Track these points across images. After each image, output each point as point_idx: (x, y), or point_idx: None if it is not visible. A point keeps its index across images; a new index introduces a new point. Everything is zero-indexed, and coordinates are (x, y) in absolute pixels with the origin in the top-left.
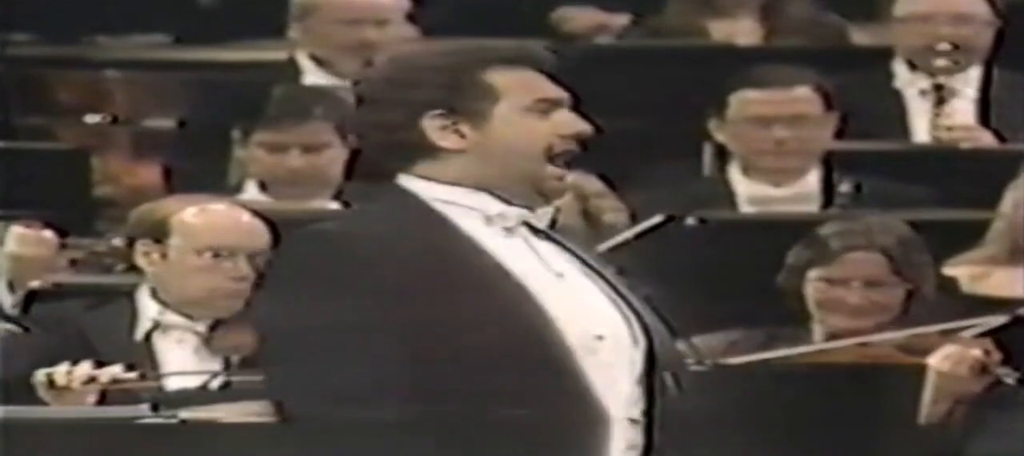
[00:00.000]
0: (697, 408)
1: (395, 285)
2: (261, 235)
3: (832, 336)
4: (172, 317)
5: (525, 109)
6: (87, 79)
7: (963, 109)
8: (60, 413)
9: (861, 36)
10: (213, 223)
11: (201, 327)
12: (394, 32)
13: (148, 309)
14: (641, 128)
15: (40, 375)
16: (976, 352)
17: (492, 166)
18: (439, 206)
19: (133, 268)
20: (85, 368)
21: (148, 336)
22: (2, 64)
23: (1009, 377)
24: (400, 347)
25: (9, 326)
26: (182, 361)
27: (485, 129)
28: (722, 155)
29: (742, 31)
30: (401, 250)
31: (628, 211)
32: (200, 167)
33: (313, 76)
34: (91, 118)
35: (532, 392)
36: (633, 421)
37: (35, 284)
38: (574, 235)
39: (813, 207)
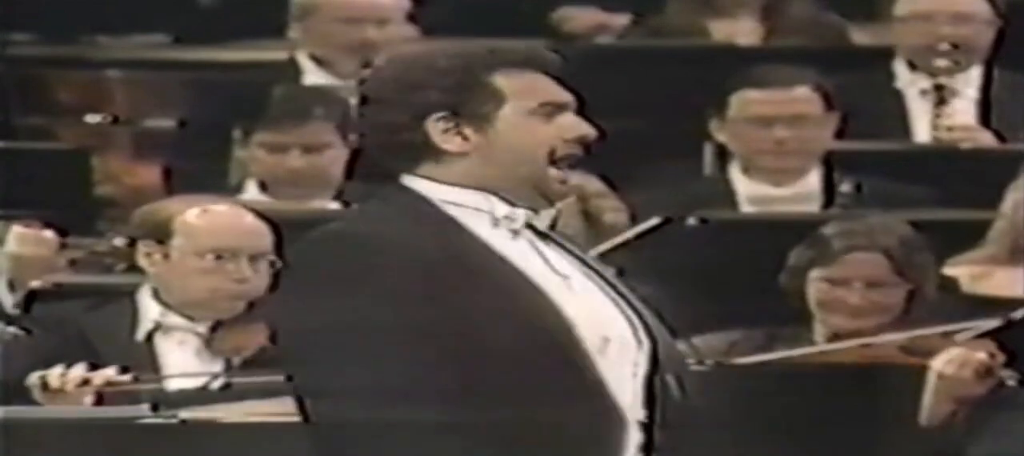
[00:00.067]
0: (698, 408)
1: (413, 286)
2: (263, 237)
3: (833, 336)
4: (173, 318)
5: (529, 113)
6: (87, 79)
7: (964, 109)
8: (60, 413)
9: (861, 36)
10: (215, 225)
11: (202, 328)
12: (394, 32)
13: (150, 310)
14: (642, 128)
15: (34, 378)
16: (980, 355)
17: (495, 169)
18: (448, 208)
19: (133, 268)
20: (79, 371)
21: (149, 337)
22: (2, 64)
23: (1011, 379)
24: (422, 348)
25: (13, 329)
26: (183, 362)
27: (489, 132)
28: (722, 155)
29: (742, 31)
30: (417, 252)
31: (628, 211)
32: (200, 167)
33: (313, 76)
34: (91, 118)
35: (556, 393)
36: (639, 423)
37: (35, 284)
38: (574, 237)
39: (814, 207)
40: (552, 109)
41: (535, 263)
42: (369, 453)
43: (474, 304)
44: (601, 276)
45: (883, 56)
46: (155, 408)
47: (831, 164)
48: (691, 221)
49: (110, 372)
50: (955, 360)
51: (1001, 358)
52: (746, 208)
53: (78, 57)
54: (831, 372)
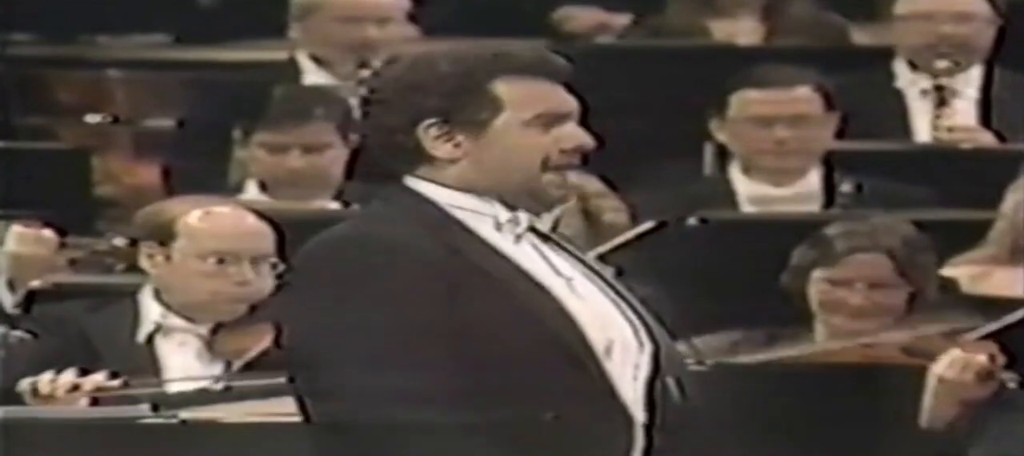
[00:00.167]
0: (698, 411)
1: (421, 289)
2: (265, 239)
3: (835, 337)
4: (175, 320)
5: (525, 122)
6: (87, 79)
7: (964, 109)
8: (60, 413)
9: (862, 36)
10: (217, 227)
11: (203, 330)
12: (394, 32)
13: (151, 311)
14: (642, 128)
15: (24, 384)
16: (981, 358)
17: (488, 175)
18: (453, 210)
19: (134, 268)
20: (69, 376)
21: (150, 338)
22: (2, 64)
23: (1012, 382)
24: (430, 350)
25: (18, 333)
26: (184, 364)
27: (482, 139)
28: (723, 155)
29: (743, 31)
30: (425, 254)
31: (628, 211)
32: (200, 167)
33: (313, 76)
34: (91, 118)
35: (566, 395)
36: (641, 426)
37: (35, 284)
38: (574, 237)
39: (814, 207)
40: (551, 119)
41: (539, 265)
42: (378, 455)
43: (482, 307)
44: (602, 278)
45: (884, 56)
46: (155, 408)
47: (831, 164)
48: (691, 221)
49: (100, 377)
50: (956, 364)
51: (1002, 360)
52: (746, 208)
53: (78, 57)
54: (832, 373)
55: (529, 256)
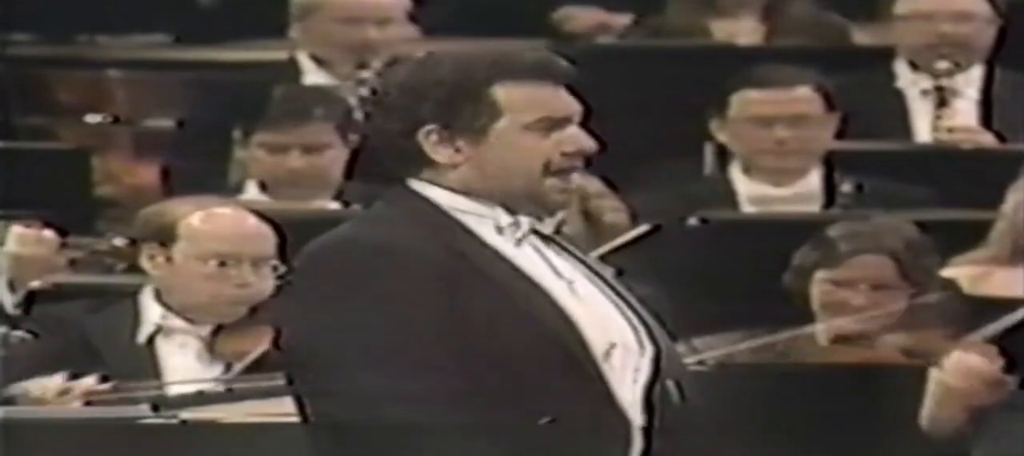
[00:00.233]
0: (697, 413)
1: (423, 291)
2: (267, 241)
3: (836, 337)
4: (175, 321)
5: (525, 127)
6: (87, 79)
7: (965, 110)
8: (60, 413)
9: (863, 36)
10: (219, 230)
11: (204, 331)
12: (395, 32)
13: (152, 313)
14: (642, 128)
15: (16, 389)
16: (988, 365)
17: (489, 180)
18: (455, 213)
19: (134, 268)
20: (57, 381)
21: (151, 339)
22: (2, 64)
23: (1011, 385)
24: (432, 352)
25: (20, 333)
26: (184, 365)
27: (482, 145)
28: (723, 155)
29: (743, 31)
30: (427, 257)
31: (629, 211)
32: (200, 167)
33: (313, 76)
34: (91, 118)
35: (564, 397)
36: (640, 429)
37: (36, 284)
38: (574, 238)
39: (814, 207)
40: (551, 123)
41: (540, 267)
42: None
43: (481, 308)
44: (604, 280)
45: (884, 56)
46: (155, 408)
47: (832, 164)
48: (692, 221)
49: (91, 381)
50: (960, 370)
51: (1000, 362)
52: (747, 208)
53: (78, 57)
54: (832, 373)
55: (530, 258)
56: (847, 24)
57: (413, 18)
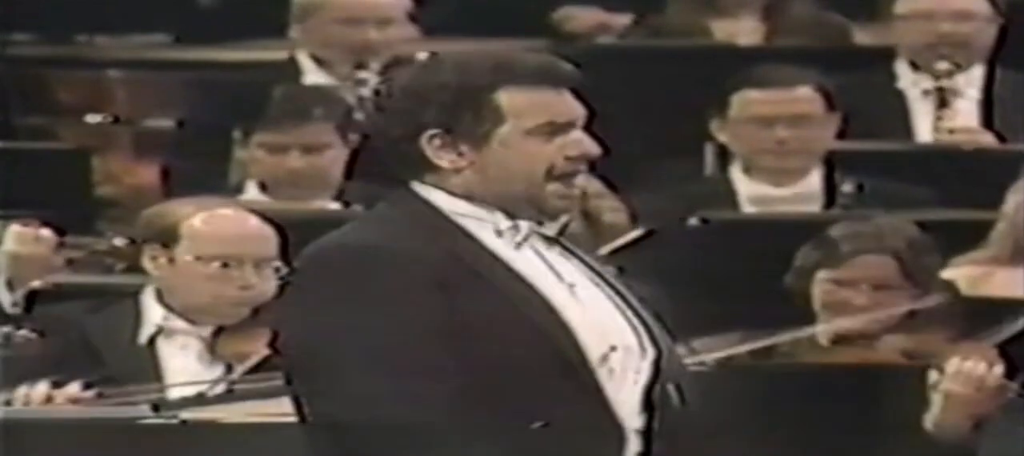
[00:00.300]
0: (697, 416)
1: (422, 295)
2: (269, 242)
3: (836, 339)
4: (176, 322)
5: (528, 132)
6: (87, 79)
7: (965, 110)
8: (60, 413)
9: (863, 36)
10: (221, 231)
11: (205, 332)
12: (395, 32)
13: (153, 313)
14: (642, 128)
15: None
16: (988, 370)
17: (492, 185)
18: (456, 217)
19: (134, 268)
20: (42, 389)
21: (152, 340)
22: (2, 64)
23: (1011, 390)
24: (429, 355)
25: (23, 333)
26: (185, 366)
27: (484, 150)
28: (724, 155)
29: (744, 31)
30: (427, 260)
31: (629, 211)
32: (200, 167)
33: (313, 76)
34: (91, 118)
35: (556, 401)
36: (638, 432)
37: (35, 284)
38: (579, 243)
39: (815, 207)
40: (554, 128)
41: (541, 271)
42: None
43: (478, 311)
44: (607, 283)
45: (885, 56)
46: (156, 408)
47: (832, 164)
48: (692, 221)
49: (74, 388)
50: (964, 376)
51: (1002, 366)
52: (747, 208)
53: (78, 57)
54: (832, 374)
55: (530, 262)
56: (848, 24)
57: (413, 18)
